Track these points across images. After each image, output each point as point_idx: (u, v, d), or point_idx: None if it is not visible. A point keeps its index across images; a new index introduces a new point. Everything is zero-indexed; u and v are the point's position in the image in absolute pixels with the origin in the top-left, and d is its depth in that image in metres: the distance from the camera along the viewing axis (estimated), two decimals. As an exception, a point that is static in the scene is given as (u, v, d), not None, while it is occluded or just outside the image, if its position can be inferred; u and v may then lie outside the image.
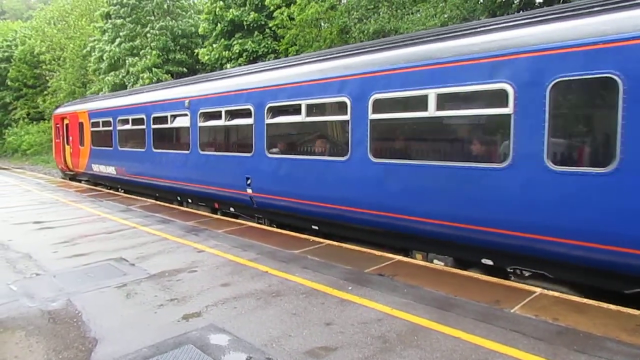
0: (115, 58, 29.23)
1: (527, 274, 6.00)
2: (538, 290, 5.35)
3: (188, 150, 11.41)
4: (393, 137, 7.36)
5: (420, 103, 6.52)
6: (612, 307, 4.81)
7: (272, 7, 21.49)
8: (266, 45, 23.15)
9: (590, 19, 5.21)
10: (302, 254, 7.17)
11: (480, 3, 14.07)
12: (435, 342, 4.12)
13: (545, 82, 5.34)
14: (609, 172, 4.92)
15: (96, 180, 18.20)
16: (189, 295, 5.42)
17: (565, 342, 4.05)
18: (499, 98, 5.74)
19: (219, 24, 24.42)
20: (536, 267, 5.85)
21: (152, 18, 28.60)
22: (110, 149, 15.70)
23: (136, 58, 28.37)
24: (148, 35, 28.40)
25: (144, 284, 5.85)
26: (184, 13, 29.81)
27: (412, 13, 15.69)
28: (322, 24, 18.96)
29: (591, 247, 5.08)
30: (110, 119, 15.57)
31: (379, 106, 7.10)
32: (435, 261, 6.88)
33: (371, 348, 4.05)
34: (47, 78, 39.66)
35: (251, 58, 23.12)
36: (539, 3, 13.60)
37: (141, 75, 27.28)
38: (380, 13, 16.49)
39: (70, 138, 19.08)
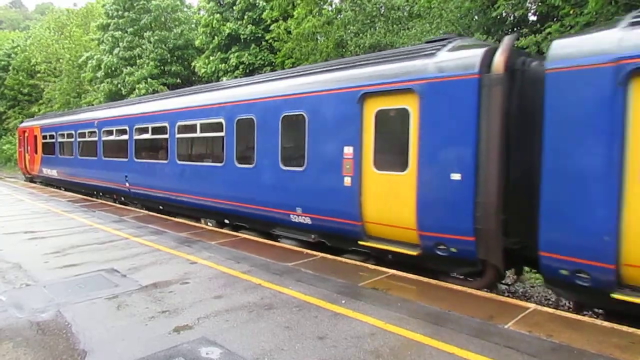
0: (113, 68, 29.32)
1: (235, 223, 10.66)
2: (532, 306, 5.34)
3: (96, 157, 16.38)
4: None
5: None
6: (607, 324, 4.81)
7: (269, 21, 21.70)
8: (262, 58, 23.35)
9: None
10: (295, 266, 7.13)
11: (476, 20, 14.28)
12: (429, 358, 4.08)
13: (234, 118, 10.14)
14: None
15: (47, 181, 22.43)
16: (181, 307, 5.36)
17: (560, 359, 4.03)
18: (220, 126, 10.42)
19: (216, 37, 24.62)
20: (242, 222, 10.39)
21: (150, 33, 28.79)
22: (53, 156, 20.56)
23: (133, 67, 28.49)
24: (145, 46, 28.56)
25: (135, 296, 5.78)
26: (180, 26, 30.01)
27: (408, 28, 15.89)
28: (319, 38, 19.14)
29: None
30: (54, 133, 20.41)
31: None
32: (208, 223, 11.56)
33: (364, 363, 4.01)
34: (43, 87, 39.63)
35: (248, 70, 23.29)
36: (533, 21, 13.83)
37: (137, 85, 27.35)
38: (377, 28, 16.69)
39: (29, 148, 24.07)
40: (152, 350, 4.24)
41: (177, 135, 12.03)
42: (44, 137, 21.58)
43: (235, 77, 22.67)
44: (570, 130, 5.36)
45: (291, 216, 8.69)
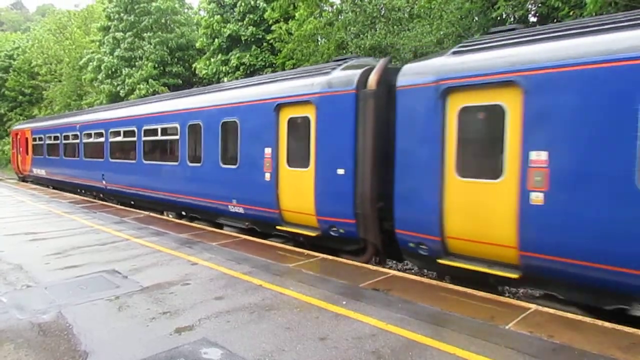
0: (113, 69, 29.37)
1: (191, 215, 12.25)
2: (533, 306, 5.34)
3: (78, 157, 18.16)
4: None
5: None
6: (607, 324, 4.80)
7: (270, 21, 21.72)
8: (263, 59, 23.36)
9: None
10: (296, 267, 7.13)
11: (476, 21, 14.29)
12: (430, 358, 4.09)
13: (186, 123, 11.73)
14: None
15: (37, 181, 24.03)
16: (182, 308, 5.37)
17: None
18: (176, 130, 11.97)
19: (216, 39, 24.65)
20: (195, 213, 11.96)
21: (150, 34, 28.84)
22: (42, 157, 22.36)
23: (133, 69, 28.54)
24: (145, 48, 28.61)
25: (136, 297, 5.79)
26: (180, 27, 30.05)
27: (408, 29, 15.90)
28: (320, 39, 19.15)
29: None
30: (42, 136, 22.16)
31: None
32: (170, 215, 13.33)
33: (365, 364, 4.01)
34: (44, 90, 39.69)
35: (248, 71, 23.31)
36: (533, 22, 13.84)
37: (137, 86, 27.39)
38: (377, 29, 16.70)
39: (21, 149, 26.00)
40: (154, 352, 4.25)
41: (143, 138, 13.67)
42: (34, 140, 23.50)
43: (236, 78, 22.69)
44: (410, 134, 6.89)
45: (229, 207, 10.34)
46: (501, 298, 5.71)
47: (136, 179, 14.19)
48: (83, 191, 18.70)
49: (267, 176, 9.26)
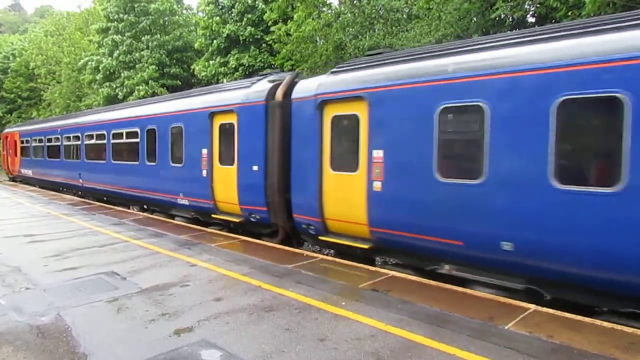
0: (112, 70, 29.35)
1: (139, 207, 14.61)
2: (532, 306, 5.34)
3: (59, 158, 19.97)
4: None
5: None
6: (606, 324, 4.81)
7: (269, 22, 21.72)
8: (262, 60, 23.36)
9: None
10: (295, 268, 7.13)
11: (474, 22, 14.30)
12: (429, 359, 4.08)
13: (145, 127, 13.51)
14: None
15: (25, 180, 25.80)
16: (181, 309, 5.36)
17: None
18: (137, 134, 13.78)
19: (215, 40, 24.64)
20: (154, 206, 13.84)
21: (149, 37, 28.83)
22: (29, 158, 24.38)
23: (132, 71, 28.52)
24: (144, 50, 28.59)
25: (135, 299, 5.78)
26: (179, 29, 30.02)
27: (407, 30, 15.91)
28: (318, 40, 19.15)
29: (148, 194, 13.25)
30: (29, 139, 24.12)
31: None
32: (134, 208, 14.94)
33: (365, 365, 4.01)
34: (42, 91, 39.62)
35: (247, 72, 23.29)
36: (532, 22, 13.86)
37: (137, 87, 27.37)
38: (376, 30, 16.71)
39: (10, 151, 28.06)
40: (153, 353, 4.24)
41: (112, 141, 15.50)
42: (22, 142, 25.58)
43: (235, 79, 22.68)
44: (299, 136, 8.66)
45: (178, 200, 12.11)
46: (500, 298, 5.71)
47: (106, 177, 16.02)
48: (65, 189, 20.60)
49: (204, 173, 11.02)
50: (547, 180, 5.41)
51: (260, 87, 9.81)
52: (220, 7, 25.00)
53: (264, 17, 21.97)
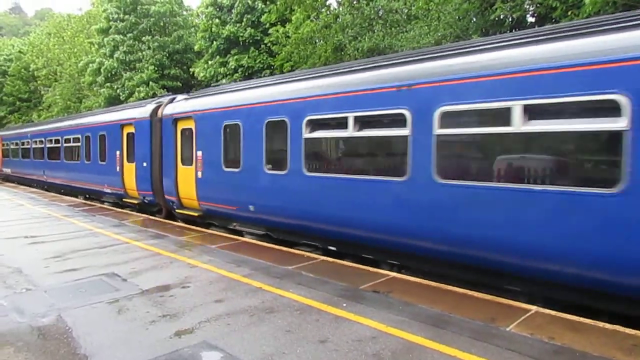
0: (113, 72, 29.36)
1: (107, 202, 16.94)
2: (534, 308, 5.33)
3: (30, 158, 24.16)
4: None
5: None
6: (609, 326, 4.79)
7: (267, 24, 21.73)
8: (262, 61, 23.37)
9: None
10: (296, 269, 7.12)
11: (474, 22, 14.32)
12: (430, 360, 4.08)
13: (84, 135, 17.59)
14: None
15: (6, 177, 29.88)
16: (182, 311, 5.35)
17: (562, 361, 4.03)
18: (79, 139, 17.90)
19: (215, 41, 24.65)
20: (92, 195, 17.48)
21: (149, 37, 28.84)
22: (8, 158, 29.18)
23: (133, 72, 28.53)
24: (144, 52, 28.59)
25: (136, 300, 5.78)
26: (179, 30, 30.03)
27: (406, 31, 15.92)
28: (317, 41, 19.17)
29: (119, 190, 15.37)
30: (8, 142, 28.87)
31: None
32: (80, 197, 18.31)
33: (366, 366, 4.00)
34: (42, 93, 39.61)
35: (247, 73, 23.31)
36: (531, 22, 13.87)
37: (137, 89, 27.37)
38: (375, 31, 16.71)
39: None
40: (154, 355, 4.23)
41: (64, 145, 19.40)
42: (3, 145, 30.26)
43: (235, 80, 22.69)
44: (166, 142, 12.32)
45: (104, 189, 16.12)
46: (502, 300, 5.70)
47: (61, 173, 20.02)
48: (35, 185, 24.28)
49: (118, 169, 14.79)
50: (263, 168, 9.14)
51: (147, 108, 13.48)
52: (219, 8, 25.02)
53: (262, 19, 21.96)
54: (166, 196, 12.45)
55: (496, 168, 5.95)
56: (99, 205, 16.21)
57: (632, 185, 4.67)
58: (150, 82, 27.58)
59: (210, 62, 25.11)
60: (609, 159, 5.07)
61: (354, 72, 7.86)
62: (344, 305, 5.48)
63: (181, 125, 11.78)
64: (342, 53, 17.54)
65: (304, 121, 8.20)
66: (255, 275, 6.82)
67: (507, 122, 5.57)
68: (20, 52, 45.05)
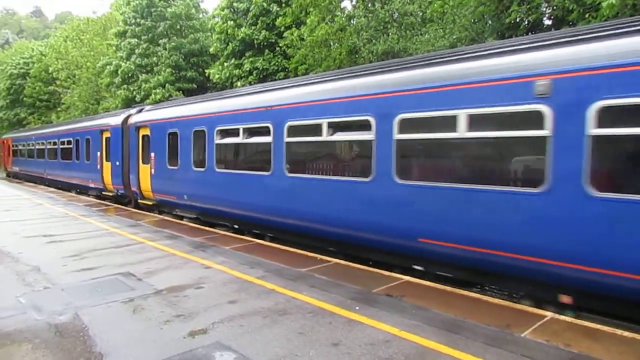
0: (130, 74, 29.77)
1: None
2: (549, 314, 5.26)
3: (34, 158, 28.00)
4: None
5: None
6: (627, 334, 4.70)
7: (282, 27, 21.82)
8: (276, 63, 23.45)
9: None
10: (309, 272, 7.13)
11: (489, 25, 14.20)
12: (444, 365, 4.05)
13: (52, 140, 24.66)
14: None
15: (15, 175, 34.15)
16: (196, 311, 5.40)
17: (578, 368, 3.97)
18: (71, 143, 21.74)
19: (230, 44, 24.83)
20: (80, 189, 21.19)
21: (166, 40, 29.20)
22: (17, 158, 33.22)
23: (149, 74, 28.89)
24: (161, 53, 28.94)
25: (150, 300, 5.84)
26: (195, 33, 30.32)
27: (421, 34, 15.85)
28: (332, 44, 19.19)
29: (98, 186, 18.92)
30: (17, 144, 32.84)
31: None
32: (73, 192, 21.77)
33: (379, 370, 3.98)
34: (61, 95, 40.33)
35: (261, 76, 23.43)
36: (548, 25, 13.70)
37: (153, 91, 27.71)
38: (390, 34, 16.68)
39: (5, 152, 37.43)
40: (168, 354, 4.28)
41: (60, 147, 22.89)
42: (13, 146, 34.23)
43: (250, 82, 22.83)
44: (132, 145, 15.13)
45: (89, 184, 19.18)
46: (517, 305, 5.64)
47: (58, 171, 23.38)
48: (38, 181, 27.46)
49: (98, 167, 17.80)
50: (192, 166, 11.90)
51: (121, 117, 16.33)
52: (235, 11, 25.22)
53: (277, 22, 22.05)
54: (132, 189, 15.36)
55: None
56: (115, 205, 16.44)
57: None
58: (167, 84, 27.89)
59: (225, 65, 25.30)
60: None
61: (244, 96, 10.87)
62: (357, 308, 5.47)
63: (142, 132, 14.62)
64: (357, 56, 17.54)
65: (215, 130, 10.88)
66: (268, 277, 6.84)
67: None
68: (41, 54, 45.96)
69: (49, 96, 44.18)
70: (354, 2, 19.40)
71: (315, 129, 8.23)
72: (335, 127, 8.03)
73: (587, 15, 10.56)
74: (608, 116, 4.94)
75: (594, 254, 4.98)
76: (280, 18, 21.59)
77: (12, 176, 34.81)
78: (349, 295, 5.97)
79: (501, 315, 5.24)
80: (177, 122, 12.73)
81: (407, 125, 6.84)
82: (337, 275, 6.91)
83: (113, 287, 6.36)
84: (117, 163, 16.04)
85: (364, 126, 7.37)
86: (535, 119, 5.41)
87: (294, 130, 8.76)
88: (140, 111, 15.70)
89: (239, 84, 23.64)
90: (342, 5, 19.65)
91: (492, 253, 5.86)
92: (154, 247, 8.97)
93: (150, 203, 14.48)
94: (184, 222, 12.57)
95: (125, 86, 30.15)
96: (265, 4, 23.40)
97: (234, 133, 10.32)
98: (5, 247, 8.92)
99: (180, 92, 27.96)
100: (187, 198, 12.29)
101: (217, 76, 25.53)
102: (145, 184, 14.35)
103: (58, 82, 39.93)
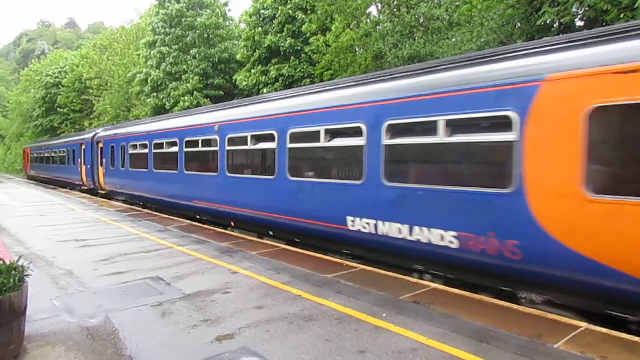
0: (159, 82, 30.48)
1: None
2: (584, 325, 5.07)
3: (50, 164, 34.97)
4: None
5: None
6: (667, 346, 4.49)
7: (308, 34, 21.96)
8: (302, 70, 23.58)
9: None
10: (335, 278, 7.10)
11: (519, 27, 13.91)
12: (474, 376, 3.95)
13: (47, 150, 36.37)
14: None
15: (32, 177, 42.26)
16: (223, 316, 5.45)
17: (616, 382, 3.81)
18: (64, 152, 31.06)
19: (257, 51, 25.15)
20: (72, 187, 28.89)
21: (196, 50, 29.82)
22: (34, 164, 41.81)
23: (178, 82, 29.52)
24: (190, 62, 29.54)
25: (179, 304, 5.93)
26: (224, 42, 30.82)
27: (448, 38, 15.67)
28: (357, 50, 19.18)
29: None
30: (34, 152, 41.91)
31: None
32: (68, 188, 30.04)
33: (406, 379, 3.92)
34: (94, 102, 41.65)
35: (287, 83, 23.59)
36: (580, 27, 13.33)
37: (182, 98, 28.28)
38: (416, 38, 16.55)
39: (26, 160, 47.07)
40: (195, 359, 4.32)
41: (59, 155, 30.51)
42: (31, 154, 43.01)
43: (276, 89, 23.03)
44: (95, 154, 23.28)
45: (75, 182, 26.79)
46: (549, 315, 5.46)
47: (58, 173, 31.55)
48: (46, 182, 35.10)
49: (79, 169, 25.19)
50: (123, 167, 18.98)
51: (91, 134, 23.98)
52: (262, 18, 25.54)
53: (303, 28, 22.21)
54: (96, 184, 22.87)
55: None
56: (146, 211, 16.80)
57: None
58: (195, 92, 28.43)
59: (252, 71, 25.62)
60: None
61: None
62: (384, 315, 5.41)
63: (99, 145, 22.14)
64: (383, 61, 17.47)
65: (129, 145, 18.33)
66: (295, 282, 6.85)
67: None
68: (74, 64, 47.60)
69: (82, 105, 45.72)
70: (379, 8, 19.37)
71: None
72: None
73: (622, 16, 10.23)
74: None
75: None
76: (306, 25, 21.75)
77: (30, 178, 43.72)
78: (376, 302, 5.92)
79: (533, 325, 5.08)
80: (112, 139, 20.37)
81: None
82: (363, 282, 6.86)
83: (142, 291, 6.49)
84: (89, 167, 23.74)
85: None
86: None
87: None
88: (104, 130, 23.21)
89: (265, 90, 23.87)
90: (368, 10, 19.63)
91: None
92: (182, 252, 9.11)
93: (104, 192, 22.23)
94: (210, 227, 12.73)
95: (155, 94, 30.87)
96: (291, 12, 23.63)
97: (136, 147, 17.64)
98: (41, 251, 9.23)
99: (208, 99, 28.43)
100: (119, 187, 19.75)
101: (244, 83, 25.86)
102: (101, 180, 21.90)
103: (90, 91, 41.25)
